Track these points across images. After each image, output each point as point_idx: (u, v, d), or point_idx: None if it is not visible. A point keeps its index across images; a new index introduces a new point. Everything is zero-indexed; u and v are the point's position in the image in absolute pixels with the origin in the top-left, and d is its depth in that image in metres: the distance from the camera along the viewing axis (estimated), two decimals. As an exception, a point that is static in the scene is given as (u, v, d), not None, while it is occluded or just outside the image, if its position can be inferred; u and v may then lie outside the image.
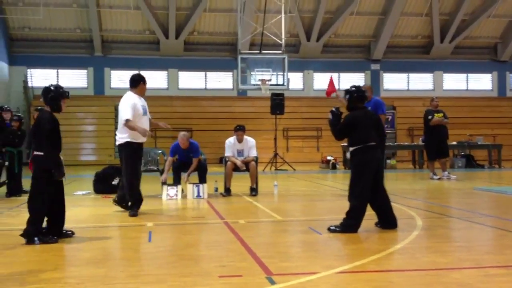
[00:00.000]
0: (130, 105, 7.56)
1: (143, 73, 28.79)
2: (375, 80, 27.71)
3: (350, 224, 5.87)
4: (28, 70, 25.54)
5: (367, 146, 5.99)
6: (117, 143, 7.71)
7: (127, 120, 7.37)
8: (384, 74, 28.14)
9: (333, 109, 6.25)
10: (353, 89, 6.25)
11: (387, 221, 6.10)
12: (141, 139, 7.51)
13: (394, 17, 26.13)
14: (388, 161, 18.63)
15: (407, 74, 28.59)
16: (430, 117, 13.58)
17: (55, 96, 5.62)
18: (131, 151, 7.45)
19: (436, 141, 13.57)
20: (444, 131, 13.73)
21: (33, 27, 25.23)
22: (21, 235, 5.33)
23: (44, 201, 5.39)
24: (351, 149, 6.12)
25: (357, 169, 6.03)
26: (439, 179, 13.26)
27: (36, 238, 5.29)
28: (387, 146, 18.30)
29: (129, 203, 7.45)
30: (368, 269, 4.31)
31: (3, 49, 24.60)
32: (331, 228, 5.91)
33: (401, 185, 12.50)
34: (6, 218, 7.40)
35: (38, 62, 25.61)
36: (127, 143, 7.44)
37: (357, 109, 6.18)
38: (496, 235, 6.09)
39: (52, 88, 5.66)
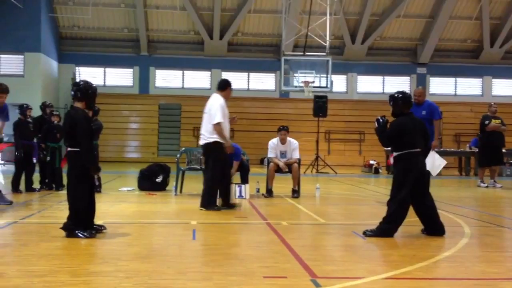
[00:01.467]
0: (221, 107, 7.88)
1: (187, 73, 29.39)
2: (421, 84, 27.12)
3: (386, 229, 5.81)
4: (76, 68, 26.27)
5: (411, 153, 5.90)
6: (203, 142, 7.97)
7: (219, 123, 7.72)
8: (431, 78, 27.57)
9: (379, 117, 6.18)
10: (399, 95, 6.14)
11: (434, 228, 5.99)
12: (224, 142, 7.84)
13: (442, 20, 25.57)
14: (433, 167, 18.22)
15: (454, 78, 27.90)
16: (487, 122, 13.19)
17: (93, 92, 5.69)
18: (220, 151, 7.80)
19: (491, 148, 13.19)
20: (500, 138, 13.33)
21: (82, 26, 25.95)
22: (62, 228, 5.51)
23: (83, 195, 5.53)
24: (395, 154, 6.04)
25: (400, 174, 5.94)
26: (486, 187, 12.92)
27: (77, 232, 5.44)
28: (434, 151, 17.94)
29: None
30: (416, 276, 4.23)
31: (53, 47, 25.41)
32: (367, 232, 5.85)
33: (447, 192, 12.22)
34: (54, 211, 7.62)
35: (86, 60, 26.32)
36: (216, 142, 7.75)
37: (403, 115, 6.08)
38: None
39: (83, 84, 5.67)
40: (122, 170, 16.89)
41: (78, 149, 5.52)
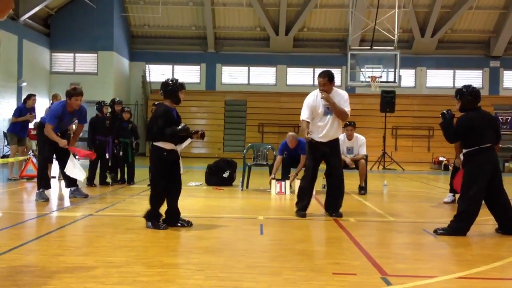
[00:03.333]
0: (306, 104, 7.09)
1: (252, 69, 29.53)
2: (494, 78, 26.02)
3: (459, 227, 5.64)
4: (147, 65, 27.12)
5: (481, 148, 5.69)
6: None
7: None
8: (505, 72, 26.29)
9: (444, 111, 5.97)
10: (467, 89, 5.93)
11: (509, 226, 5.74)
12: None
13: (517, 11, 24.34)
14: (506, 164, 17.45)
15: (529, 72, 26.53)
16: None
17: (173, 89, 5.92)
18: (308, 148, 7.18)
19: None
20: None
21: (152, 25, 26.74)
22: (144, 216, 5.87)
23: (162, 189, 5.81)
24: (464, 151, 5.83)
25: (471, 171, 5.74)
26: None
27: (149, 223, 5.73)
28: (506, 148, 17.18)
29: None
30: (491, 276, 4.10)
31: (124, 45, 26.37)
32: (439, 231, 5.71)
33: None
34: (128, 204, 7.93)
35: (155, 58, 27.13)
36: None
37: (471, 111, 5.87)
38: None
39: (169, 82, 5.96)
40: (189, 165, 17.30)
41: (157, 144, 5.80)
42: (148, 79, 26.75)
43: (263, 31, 26.52)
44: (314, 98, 7.03)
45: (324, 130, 7.02)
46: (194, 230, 5.82)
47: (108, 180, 10.55)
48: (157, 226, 5.72)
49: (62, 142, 7.84)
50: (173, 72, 27.47)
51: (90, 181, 10.05)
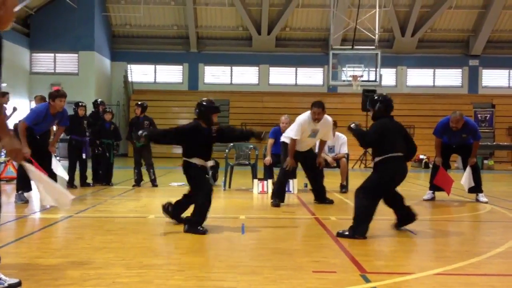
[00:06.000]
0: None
1: (235, 68, 29.49)
2: (473, 76, 26.39)
3: (358, 230, 5.52)
4: (128, 65, 26.96)
5: (393, 157, 5.62)
6: None
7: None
8: (484, 70, 26.68)
9: (351, 125, 5.90)
10: (379, 98, 5.89)
11: (409, 217, 5.87)
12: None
13: (495, 10, 24.72)
14: (485, 161, 17.72)
15: (508, 70, 26.92)
16: None
17: (206, 110, 5.97)
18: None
19: None
20: None
21: (134, 24, 26.59)
22: (184, 221, 5.83)
23: (208, 196, 5.90)
24: (376, 159, 5.71)
25: (379, 180, 5.64)
26: None
27: (199, 228, 5.70)
28: (485, 145, 17.45)
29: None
30: (467, 272, 4.16)
31: (106, 45, 26.18)
32: (339, 232, 5.58)
33: (499, 187, 11.85)
34: (108, 205, 7.88)
35: (137, 58, 27.00)
36: None
37: (384, 118, 5.82)
38: None
39: (204, 103, 6.00)
40: (171, 165, 17.24)
41: (188, 160, 5.92)
42: (130, 79, 26.59)
43: (245, 31, 26.54)
44: (308, 121, 7.90)
45: (304, 145, 8.14)
46: (175, 230, 5.81)
47: (89, 181, 10.47)
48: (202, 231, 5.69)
49: (25, 149, 7.66)
50: (155, 72, 27.35)
51: (70, 182, 9.96)
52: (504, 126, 24.11)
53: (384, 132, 5.68)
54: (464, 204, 8.42)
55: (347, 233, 5.49)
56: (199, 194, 5.88)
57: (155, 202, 8.07)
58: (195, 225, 5.71)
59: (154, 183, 10.42)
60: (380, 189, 5.65)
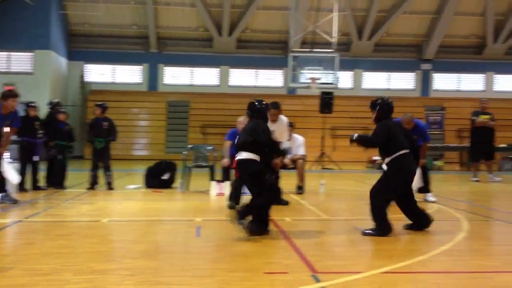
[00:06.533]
0: None
1: (196, 70, 29.24)
2: (426, 80, 27.18)
3: (383, 227, 5.78)
4: (85, 65, 26.46)
5: (405, 154, 5.89)
6: None
7: None
8: (435, 74, 27.49)
9: (354, 137, 6.11)
10: (384, 101, 6.14)
11: (422, 221, 6.03)
12: None
13: (447, 16, 25.48)
14: (435, 162, 18.28)
15: (458, 74, 27.84)
16: (474, 117, 13.37)
17: (259, 109, 6.11)
18: None
19: (480, 143, 13.29)
20: (489, 133, 13.37)
21: (92, 23, 26.09)
22: (237, 211, 5.70)
23: (268, 195, 5.84)
24: (388, 159, 5.91)
25: (396, 176, 5.90)
26: (477, 181, 13.09)
27: (249, 225, 5.64)
28: (434, 147, 17.99)
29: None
30: (414, 270, 4.32)
31: (62, 44, 25.61)
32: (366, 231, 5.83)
33: (448, 187, 12.27)
34: (61, 209, 7.70)
35: (95, 58, 26.51)
36: None
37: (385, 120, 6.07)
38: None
39: (256, 103, 6.13)
40: (130, 167, 17.05)
41: (250, 158, 5.79)
42: (87, 80, 26.11)
43: (206, 32, 26.48)
44: None
45: None
46: (129, 234, 5.78)
47: (42, 184, 10.19)
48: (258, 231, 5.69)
49: None
50: (114, 72, 26.95)
51: (20, 185, 9.66)
52: (454, 128, 24.84)
53: (391, 131, 5.93)
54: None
55: (373, 232, 5.72)
56: (263, 193, 5.83)
57: (110, 205, 8.00)
58: (241, 214, 5.71)
59: (109, 186, 10.27)
60: (396, 186, 5.88)
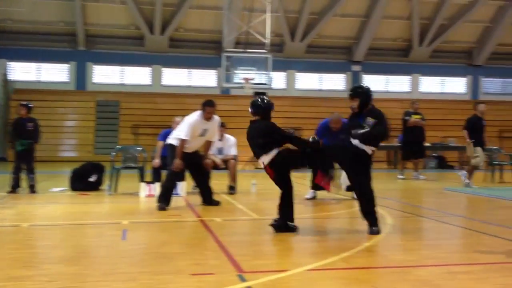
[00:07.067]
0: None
1: (126, 68, 28.69)
2: (356, 81, 27.97)
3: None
4: (8, 63, 25.23)
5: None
6: None
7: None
8: (365, 76, 28.38)
9: (358, 133, 5.90)
10: (368, 89, 6.14)
11: None
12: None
13: (376, 19, 26.35)
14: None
15: (386, 76, 28.91)
16: (407, 117, 13.92)
17: (265, 107, 6.01)
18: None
19: (413, 142, 13.90)
20: (421, 132, 14.04)
21: (16, 19, 24.90)
22: (273, 225, 5.80)
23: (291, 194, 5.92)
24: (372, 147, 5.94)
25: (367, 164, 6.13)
26: (403, 178, 13.64)
27: (289, 224, 5.74)
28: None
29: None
30: (337, 267, 4.39)
31: (-17, 41, 24.30)
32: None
33: (375, 185, 12.61)
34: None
35: (19, 55, 25.35)
36: None
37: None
38: (463, 234, 6.28)
39: (264, 101, 6.08)
40: (56, 169, 16.42)
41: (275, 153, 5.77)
42: (10, 78, 24.90)
43: (137, 30, 25.94)
44: (199, 121, 7.94)
45: (193, 145, 8.07)
46: (50, 239, 5.54)
47: None
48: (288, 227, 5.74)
49: None
50: (39, 71, 25.87)
51: None
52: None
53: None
54: (341, 202, 8.91)
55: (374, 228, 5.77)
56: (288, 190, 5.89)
57: (32, 209, 7.65)
58: (285, 224, 5.73)
59: (32, 189, 9.82)
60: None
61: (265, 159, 5.87)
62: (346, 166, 6.07)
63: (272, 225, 5.86)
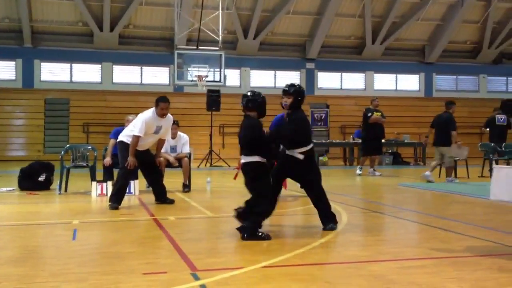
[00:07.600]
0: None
1: (75, 66, 28.02)
2: (310, 78, 28.25)
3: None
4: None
5: (312, 147, 6.02)
6: None
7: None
8: (319, 73, 28.70)
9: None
10: (301, 88, 6.07)
11: None
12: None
13: (328, 17, 26.66)
14: (320, 158, 19.08)
15: (340, 73, 29.31)
16: (370, 114, 14.17)
17: (261, 101, 5.69)
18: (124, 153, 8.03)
19: (373, 139, 14.20)
20: (381, 129, 14.35)
21: (-44, 15, 23.86)
22: (240, 228, 5.47)
23: (269, 202, 5.65)
24: (301, 150, 5.85)
25: (316, 168, 6.18)
26: (360, 174, 13.93)
27: (258, 232, 5.42)
28: (320, 143, 18.83)
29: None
30: (292, 263, 4.41)
31: None
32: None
33: (331, 181, 12.80)
34: None
35: (-40, 53, 24.30)
36: None
37: (298, 109, 5.98)
38: (417, 229, 6.41)
39: (260, 95, 5.75)
40: (4, 169, 15.83)
41: (256, 160, 5.55)
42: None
43: (86, 27, 25.28)
44: (153, 117, 7.83)
45: (146, 143, 8.00)
46: (-4, 240, 5.33)
47: None
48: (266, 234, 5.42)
49: None
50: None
51: None
52: (337, 125, 26.12)
53: (307, 126, 6.06)
54: (298, 199, 8.97)
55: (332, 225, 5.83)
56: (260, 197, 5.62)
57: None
58: (250, 231, 5.41)
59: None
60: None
61: (245, 159, 5.73)
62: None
63: (236, 210, 5.75)
